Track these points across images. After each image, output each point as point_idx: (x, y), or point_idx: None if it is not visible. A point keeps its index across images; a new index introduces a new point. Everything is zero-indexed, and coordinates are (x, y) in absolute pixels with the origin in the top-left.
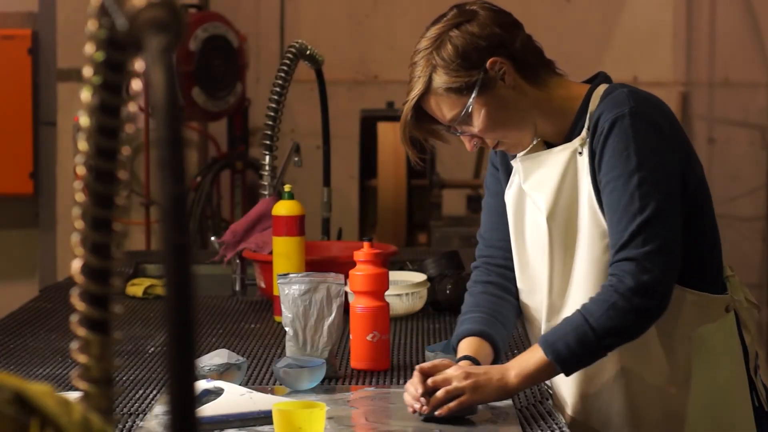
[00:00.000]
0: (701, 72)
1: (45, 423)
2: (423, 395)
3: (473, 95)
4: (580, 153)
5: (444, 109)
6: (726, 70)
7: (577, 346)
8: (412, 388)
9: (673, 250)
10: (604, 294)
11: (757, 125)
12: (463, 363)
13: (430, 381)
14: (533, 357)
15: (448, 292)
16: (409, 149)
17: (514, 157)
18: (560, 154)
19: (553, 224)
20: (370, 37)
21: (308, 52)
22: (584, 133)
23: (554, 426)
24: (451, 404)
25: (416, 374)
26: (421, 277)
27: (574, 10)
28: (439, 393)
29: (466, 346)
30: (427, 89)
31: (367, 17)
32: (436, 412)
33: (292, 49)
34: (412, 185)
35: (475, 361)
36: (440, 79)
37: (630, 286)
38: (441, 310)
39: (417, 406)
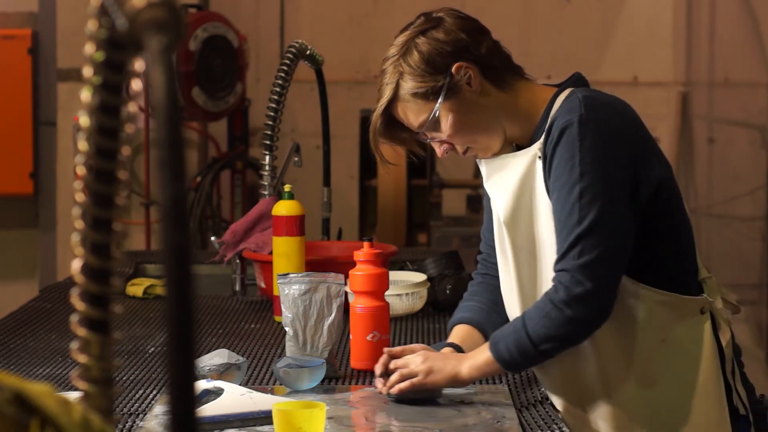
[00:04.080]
0: (701, 72)
1: (45, 423)
2: (381, 375)
3: (440, 100)
4: (540, 157)
5: (412, 115)
6: (726, 70)
7: (515, 350)
8: (377, 368)
9: (612, 259)
10: (542, 301)
11: (757, 125)
12: (445, 349)
13: (392, 364)
14: (484, 352)
15: (448, 292)
16: (379, 156)
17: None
18: (521, 158)
19: (513, 229)
20: (370, 37)
21: (308, 52)
22: (542, 138)
23: (554, 426)
24: (402, 385)
25: (384, 356)
26: (421, 277)
27: (574, 10)
28: (394, 375)
29: (456, 333)
30: (395, 96)
31: (367, 17)
32: (391, 391)
33: (292, 49)
34: (412, 185)
35: (458, 348)
36: (407, 85)
37: (562, 298)
38: (441, 310)
39: (379, 386)
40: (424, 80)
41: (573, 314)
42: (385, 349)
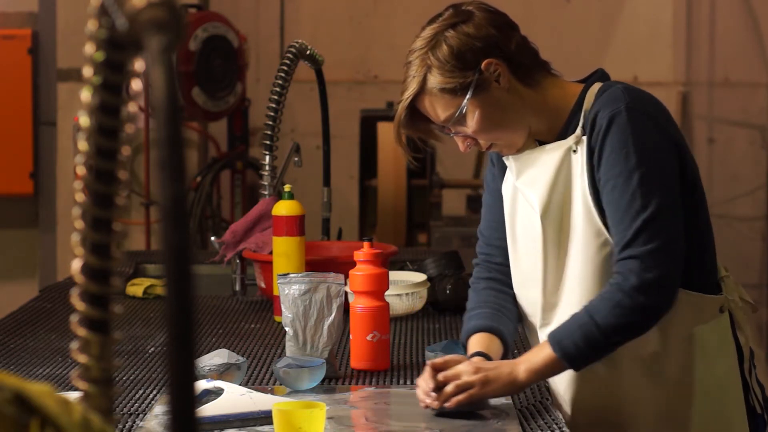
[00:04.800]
0: (701, 72)
1: (45, 423)
2: (434, 390)
3: (468, 96)
4: (575, 151)
5: (438, 110)
6: (726, 70)
7: (584, 344)
8: (424, 383)
9: (677, 246)
10: (610, 292)
11: (757, 125)
12: (475, 359)
13: (440, 376)
14: (542, 353)
15: (448, 292)
16: (403, 148)
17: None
18: (553, 152)
19: (547, 222)
20: (370, 37)
21: (308, 52)
22: (579, 131)
23: (554, 425)
24: (460, 396)
25: (427, 369)
26: (421, 277)
27: (574, 10)
28: (449, 387)
29: (476, 342)
30: (422, 89)
31: (367, 17)
32: (446, 405)
33: (292, 49)
34: (412, 185)
35: (486, 356)
36: (435, 80)
37: (634, 284)
38: (441, 310)
39: (428, 400)
40: (453, 75)
41: (645, 301)
42: (429, 362)
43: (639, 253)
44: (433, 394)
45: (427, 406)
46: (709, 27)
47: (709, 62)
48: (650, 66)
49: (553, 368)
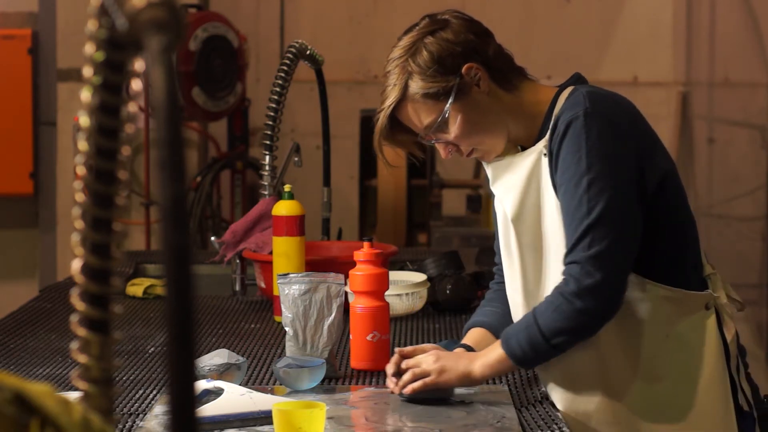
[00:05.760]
0: (701, 72)
1: (45, 423)
2: (394, 375)
3: (450, 101)
4: (545, 155)
5: (421, 116)
6: (726, 70)
7: (527, 345)
8: (389, 368)
9: (621, 249)
10: (552, 295)
11: (757, 125)
12: (457, 350)
13: (403, 363)
14: (496, 350)
15: (448, 292)
16: (383, 158)
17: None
18: (527, 158)
19: (520, 226)
20: (370, 37)
21: (308, 52)
22: (548, 135)
23: (554, 426)
24: (415, 384)
25: (395, 356)
26: (421, 277)
27: (574, 10)
28: (406, 375)
29: (470, 335)
30: (404, 96)
31: (367, 17)
32: (404, 391)
33: (292, 49)
34: (412, 185)
35: (470, 349)
36: (416, 86)
37: (573, 290)
38: (441, 310)
39: (391, 386)
40: (434, 80)
41: (583, 306)
42: (397, 349)
43: (579, 259)
44: (394, 379)
45: (392, 392)
46: (709, 27)
47: (709, 62)
48: (650, 66)
49: (505, 366)
